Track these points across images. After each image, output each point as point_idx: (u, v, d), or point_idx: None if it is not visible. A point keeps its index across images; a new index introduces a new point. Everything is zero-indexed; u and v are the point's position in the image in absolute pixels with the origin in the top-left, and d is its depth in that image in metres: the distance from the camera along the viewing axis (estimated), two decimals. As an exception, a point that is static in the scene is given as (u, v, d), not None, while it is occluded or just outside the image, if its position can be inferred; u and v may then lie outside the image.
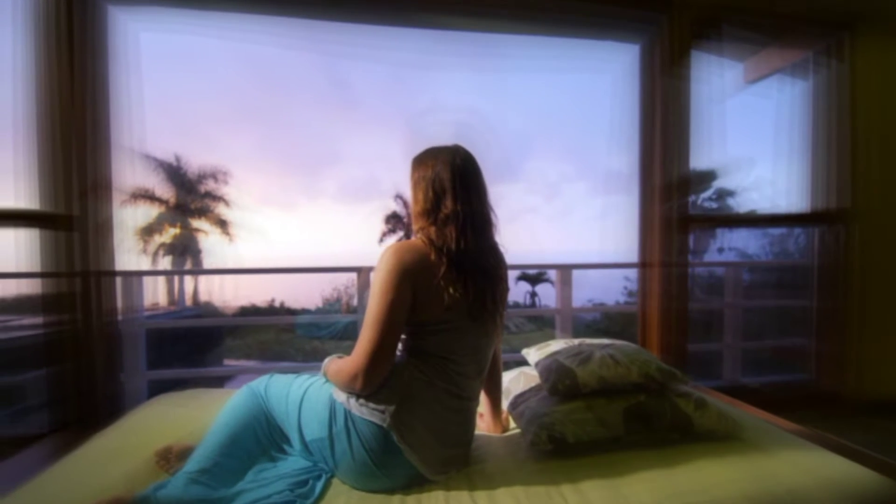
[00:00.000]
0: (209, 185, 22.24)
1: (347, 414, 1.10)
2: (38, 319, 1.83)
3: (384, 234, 25.49)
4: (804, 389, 2.80)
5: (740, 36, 2.81)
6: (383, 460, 1.08)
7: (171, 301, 19.70)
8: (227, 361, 13.87)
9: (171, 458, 1.22)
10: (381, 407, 1.08)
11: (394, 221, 25.68)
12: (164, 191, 21.40)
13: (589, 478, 1.13)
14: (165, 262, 21.62)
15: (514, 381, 1.60)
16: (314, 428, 1.14)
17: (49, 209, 1.84)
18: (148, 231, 21.18)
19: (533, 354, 1.58)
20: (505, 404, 1.54)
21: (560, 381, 1.34)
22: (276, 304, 22.39)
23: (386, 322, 1.07)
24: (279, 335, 17.32)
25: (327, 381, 1.21)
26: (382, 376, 1.09)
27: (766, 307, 3.83)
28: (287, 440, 1.24)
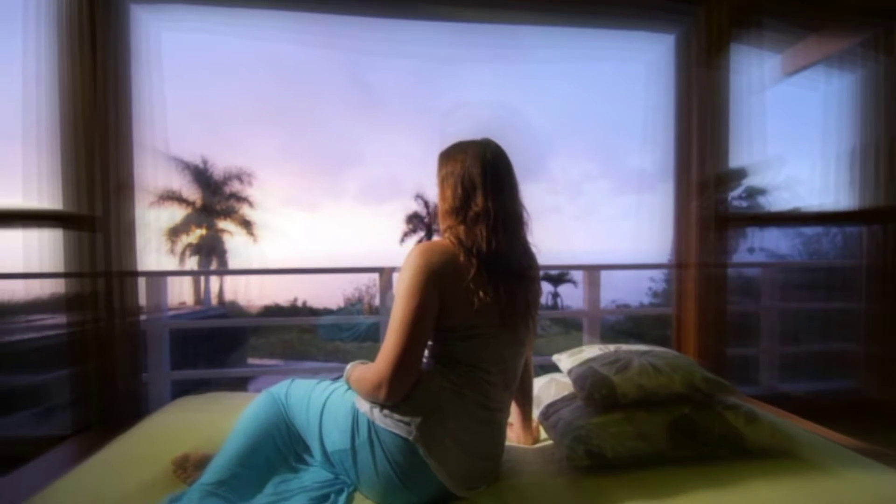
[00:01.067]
0: (234, 187, 22.67)
1: (371, 425, 1.04)
2: (62, 319, 1.82)
3: (405, 234, 25.61)
4: (851, 397, 2.63)
5: (779, 25, 2.67)
6: (409, 475, 1.01)
7: (198, 300, 20.15)
8: (250, 360, 14.08)
9: (188, 467, 1.18)
10: (407, 419, 1.01)
11: (415, 221, 25.76)
12: (191, 192, 21.89)
13: (630, 497, 1.04)
14: (192, 262, 22.10)
15: (545, 389, 1.52)
16: (336, 438, 1.08)
17: (72, 210, 1.83)
18: (175, 232, 21.71)
19: (565, 361, 1.49)
20: (535, 413, 1.45)
21: (596, 390, 1.25)
22: (299, 303, 22.70)
23: (412, 328, 1.00)
24: (301, 335, 17.50)
25: (350, 388, 1.14)
26: (408, 385, 1.02)
27: (805, 310, 3.64)
28: (308, 449, 1.18)
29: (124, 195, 1.98)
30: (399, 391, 1.01)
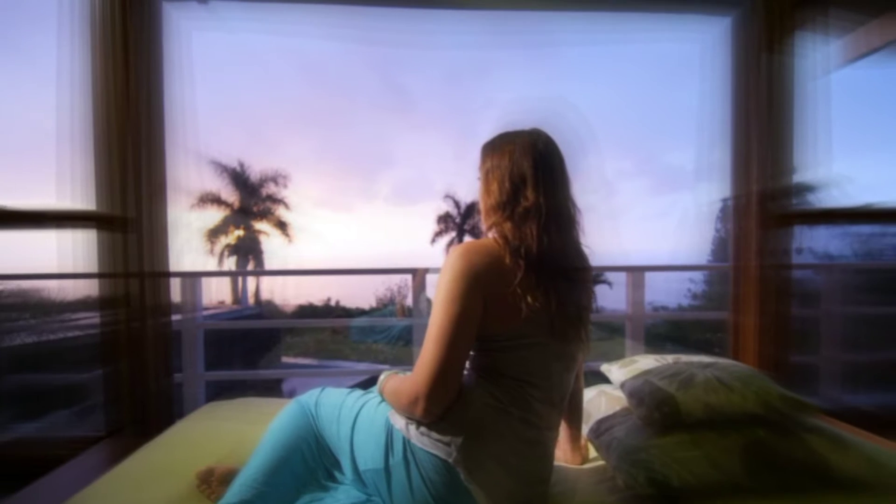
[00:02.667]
0: (270, 189, 23.15)
1: (406, 444, 0.94)
2: (95, 319, 1.81)
3: (436, 235, 25.57)
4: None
5: (842, 9, 2.45)
6: (447, 500, 0.91)
7: (236, 300, 20.70)
8: (284, 359, 14.29)
9: (212, 482, 1.11)
10: (447, 438, 0.91)
11: (446, 222, 25.69)
12: (229, 194, 22.49)
13: (701, 534, 0.91)
14: (230, 263, 22.70)
15: (594, 403, 1.39)
16: (368, 456, 0.99)
17: (106, 210, 1.81)
18: (214, 233, 22.35)
19: (616, 372, 1.35)
20: (584, 430, 1.32)
21: (657, 407, 1.11)
22: (332, 303, 23.00)
23: (452, 337, 0.89)
24: (334, 334, 17.71)
25: (383, 400, 1.05)
26: (447, 401, 0.91)
27: (869, 315, 3.36)
28: (338, 465, 1.09)
29: (157, 196, 1.95)
30: (437, 407, 0.90)
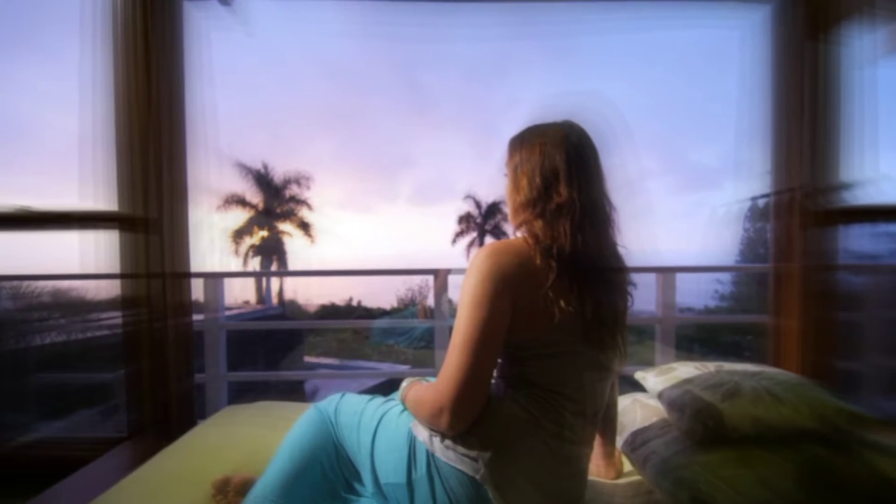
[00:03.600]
0: (293, 190, 23.48)
1: (431, 457, 0.88)
2: (117, 320, 1.80)
3: (457, 235, 25.57)
4: None
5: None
6: (474, 519, 0.85)
7: (260, 300, 21.05)
8: (307, 358, 14.42)
9: (228, 492, 1.07)
10: (474, 453, 0.85)
11: (466, 222, 25.67)
12: (253, 195, 22.89)
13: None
14: (255, 263, 23.11)
15: (628, 413, 1.30)
16: (390, 469, 0.93)
17: (128, 211, 1.81)
18: (239, 234, 22.78)
19: (653, 381, 1.27)
20: (618, 442, 1.24)
21: (700, 420, 1.03)
22: (354, 302, 23.19)
23: (478, 344, 0.82)
24: (356, 335, 17.82)
25: (406, 409, 0.99)
26: (474, 413, 0.85)
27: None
28: (358, 477, 1.03)
29: (179, 197, 1.94)
30: (463, 420, 0.84)
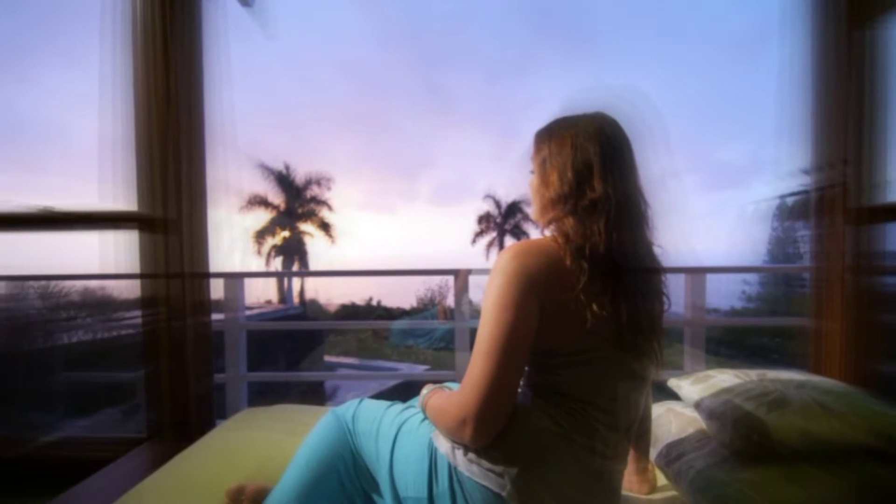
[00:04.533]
0: (314, 191, 23.74)
1: (453, 471, 0.83)
2: (137, 320, 1.80)
3: (476, 235, 25.50)
4: None
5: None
6: (500, 538, 0.79)
7: (282, 299, 21.33)
8: (327, 357, 14.51)
9: (243, 501, 1.04)
10: (499, 468, 0.79)
11: (486, 222, 25.60)
12: (275, 196, 23.22)
13: None
14: (277, 263, 23.45)
15: (662, 423, 1.23)
16: (409, 481, 0.88)
17: (148, 212, 1.80)
18: (262, 234, 23.14)
19: (689, 388, 1.19)
20: (651, 454, 1.17)
21: (743, 433, 0.95)
22: (374, 302, 23.31)
23: (504, 351, 0.77)
24: (375, 334, 17.90)
25: (426, 417, 0.94)
26: (499, 424, 0.79)
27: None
28: (376, 487, 0.99)
29: (198, 198, 1.93)
30: (488, 432, 0.78)
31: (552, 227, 0.86)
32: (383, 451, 0.95)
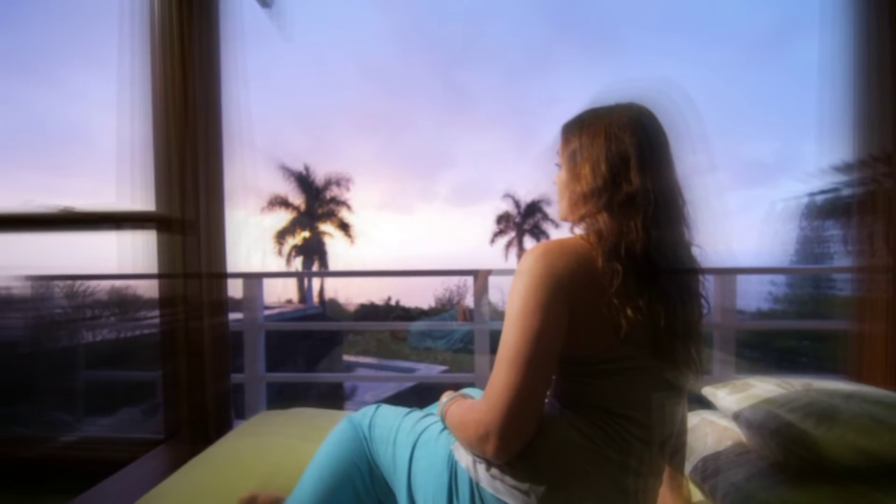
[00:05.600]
0: (333, 191, 23.95)
1: (474, 487, 0.77)
2: (154, 320, 1.80)
3: (495, 235, 25.40)
4: None
5: None
6: (525, 559, 0.73)
7: (302, 298, 21.57)
8: (346, 357, 14.59)
9: (256, 511, 1.00)
10: (525, 486, 0.73)
11: (505, 222, 25.48)
12: (295, 197, 23.50)
13: None
14: (297, 263, 23.73)
15: (697, 434, 1.15)
16: (429, 496, 0.83)
17: (165, 212, 1.79)
18: (282, 234, 23.44)
19: (726, 398, 1.11)
20: (686, 467, 1.10)
21: (790, 449, 0.88)
22: (392, 302, 23.37)
23: (530, 358, 0.71)
24: (393, 336, 17.96)
25: (446, 427, 0.89)
26: (525, 439, 0.73)
27: None
28: (394, 499, 0.94)
29: (216, 198, 1.92)
30: (512, 446, 0.73)
31: (583, 224, 0.80)
32: (401, 461, 0.90)
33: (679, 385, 0.80)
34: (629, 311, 0.71)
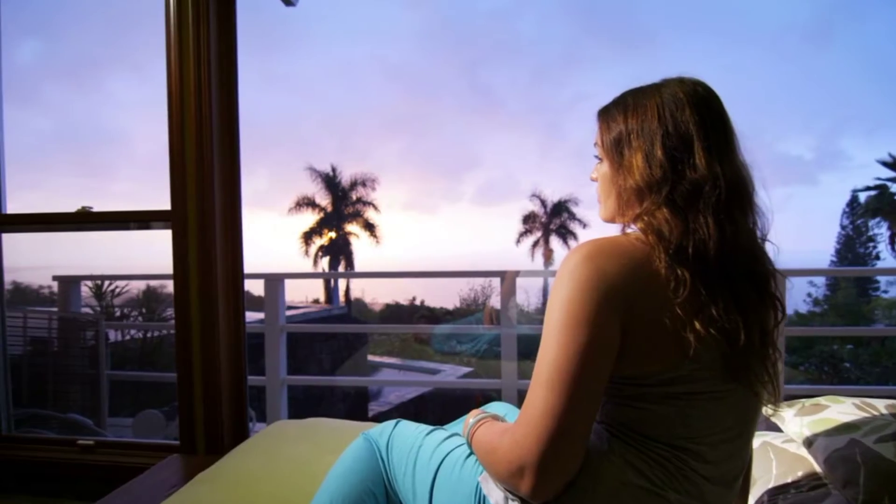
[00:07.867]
0: (360, 192, 24.23)
1: (506, 527, 0.66)
2: (171, 321, 1.76)
3: (521, 235, 25.21)
4: None
5: None
6: None
7: (328, 298, 21.87)
8: (370, 357, 14.62)
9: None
10: (567, 531, 0.62)
11: (531, 222, 25.28)
12: (323, 198, 23.87)
13: None
14: (324, 263, 24.07)
15: (759, 460, 1.01)
16: (453, 531, 0.73)
17: (184, 212, 1.75)
18: (309, 235, 23.82)
19: (794, 421, 0.97)
20: (750, 501, 0.96)
21: (884, 489, 0.73)
22: (417, 302, 23.43)
23: (574, 380, 0.59)
24: (417, 339, 17.98)
25: (472, 452, 0.78)
26: (568, 475, 0.61)
27: None
28: (413, 527, 0.84)
29: (233, 198, 1.87)
30: (553, 484, 0.60)
31: (640, 222, 0.66)
32: (421, 489, 0.80)
33: (753, 411, 0.67)
34: (697, 325, 0.59)
